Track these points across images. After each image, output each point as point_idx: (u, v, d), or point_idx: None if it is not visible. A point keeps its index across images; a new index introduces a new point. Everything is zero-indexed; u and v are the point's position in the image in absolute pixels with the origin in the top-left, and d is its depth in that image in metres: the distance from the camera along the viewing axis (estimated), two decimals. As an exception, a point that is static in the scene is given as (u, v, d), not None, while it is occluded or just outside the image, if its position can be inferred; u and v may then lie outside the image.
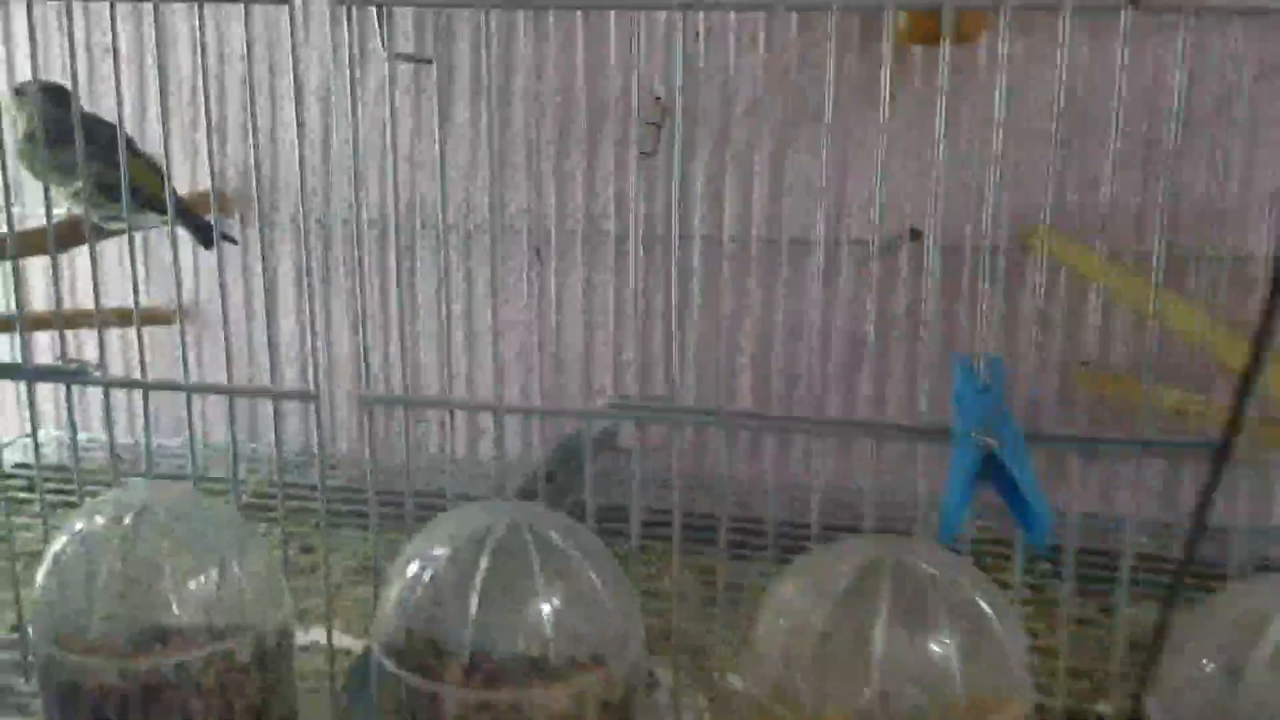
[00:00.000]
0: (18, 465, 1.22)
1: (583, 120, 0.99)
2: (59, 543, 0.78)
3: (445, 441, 0.82)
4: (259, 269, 1.18)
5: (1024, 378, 0.86)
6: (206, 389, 0.85)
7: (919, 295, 0.77)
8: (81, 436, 1.17)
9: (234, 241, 1.08)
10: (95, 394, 0.94)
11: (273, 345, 0.81)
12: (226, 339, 0.83)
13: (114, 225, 0.95)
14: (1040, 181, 0.77)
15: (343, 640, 0.89)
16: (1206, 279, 1.02)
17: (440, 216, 0.72)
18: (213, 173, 1.00)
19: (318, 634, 0.88)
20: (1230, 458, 0.65)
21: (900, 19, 0.94)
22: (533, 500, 0.98)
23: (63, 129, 0.84)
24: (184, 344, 0.83)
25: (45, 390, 1.19)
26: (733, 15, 0.90)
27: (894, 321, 1.05)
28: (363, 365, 0.77)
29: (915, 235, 1.00)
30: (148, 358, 0.84)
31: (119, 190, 0.82)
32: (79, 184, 0.91)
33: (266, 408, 1.13)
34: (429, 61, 0.73)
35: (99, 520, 0.78)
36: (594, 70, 1.00)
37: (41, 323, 0.97)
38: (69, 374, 0.83)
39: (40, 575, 0.77)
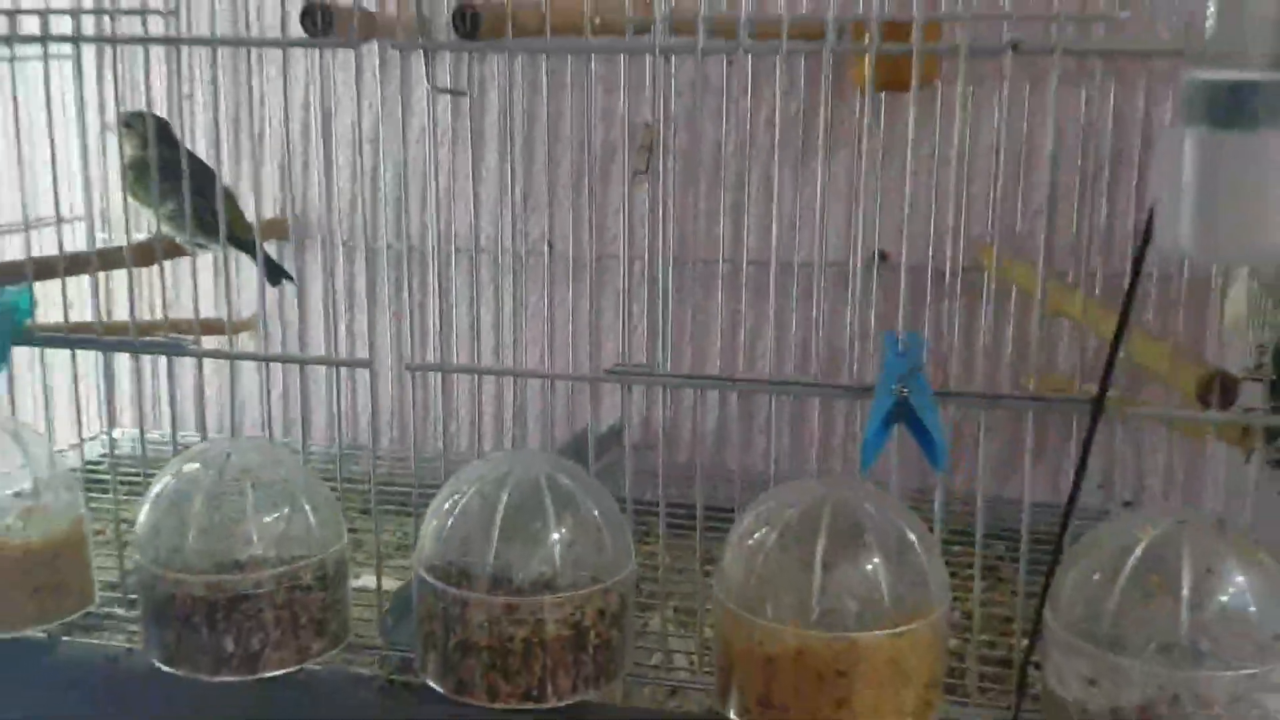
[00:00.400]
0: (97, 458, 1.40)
1: (597, 149, 1.17)
2: (159, 484, 0.95)
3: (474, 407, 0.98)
4: (312, 286, 1.38)
5: (981, 377, 1.01)
6: (279, 358, 1.03)
7: (889, 308, 0.93)
8: (154, 435, 1.36)
9: (290, 279, 1.25)
10: (168, 392, 1.11)
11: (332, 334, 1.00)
12: (302, 332, 1.01)
13: (199, 250, 1.13)
14: (998, 208, 0.94)
15: (387, 584, 1.05)
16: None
17: (474, 239, 0.90)
18: (286, 205, 1.19)
19: (368, 580, 1.05)
20: (1102, 411, 0.82)
21: (865, 70, 1.11)
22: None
23: (165, 160, 1.03)
24: (264, 325, 1.01)
25: (120, 395, 1.36)
26: (724, 62, 1.07)
27: (868, 330, 1.22)
28: (408, 339, 0.95)
29: (883, 257, 1.16)
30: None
31: (211, 224, 1.01)
32: (171, 208, 1.10)
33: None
34: (464, 94, 0.91)
35: (191, 466, 0.95)
36: (609, 106, 1.17)
37: (149, 327, 1.13)
38: (170, 346, 1.01)
39: (143, 512, 0.95)
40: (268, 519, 0.94)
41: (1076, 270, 1.12)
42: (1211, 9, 0.71)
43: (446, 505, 0.91)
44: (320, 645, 0.94)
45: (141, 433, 1.08)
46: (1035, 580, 0.85)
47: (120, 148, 1.12)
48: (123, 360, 1.14)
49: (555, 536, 0.89)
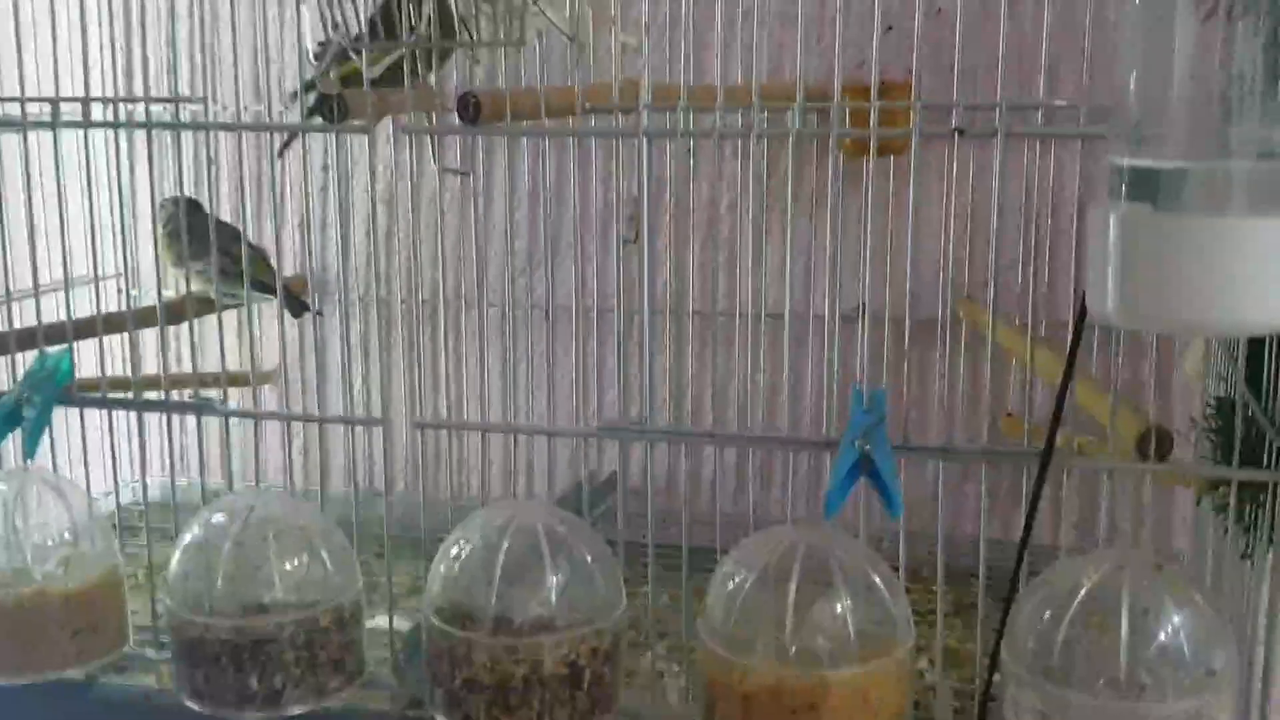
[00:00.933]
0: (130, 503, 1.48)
1: (592, 218, 1.25)
2: (188, 534, 1.03)
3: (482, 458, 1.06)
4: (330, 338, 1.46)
5: (959, 422, 1.08)
6: (299, 417, 1.11)
7: (872, 354, 1.01)
8: (181, 481, 1.44)
9: (319, 314, 1.34)
10: (196, 443, 1.19)
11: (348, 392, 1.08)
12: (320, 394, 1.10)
13: (230, 301, 1.22)
14: (973, 262, 1.01)
15: (400, 625, 1.13)
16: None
17: (481, 296, 0.98)
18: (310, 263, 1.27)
19: (382, 620, 1.13)
20: (1049, 463, 0.90)
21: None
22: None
23: (195, 226, 1.12)
24: (285, 382, 1.09)
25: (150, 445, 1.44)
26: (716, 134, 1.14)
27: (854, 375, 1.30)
28: (418, 398, 1.03)
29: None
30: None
31: (234, 274, 1.10)
32: (200, 265, 1.19)
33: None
34: (467, 174, 0.99)
35: (218, 517, 1.03)
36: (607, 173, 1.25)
37: (180, 381, 1.22)
38: (199, 406, 1.09)
39: (173, 560, 1.03)
40: (288, 566, 1.02)
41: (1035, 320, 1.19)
42: (1133, 95, 0.78)
43: (453, 552, 0.98)
44: (338, 683, 1.02)
45: (172, 481, 1.16)
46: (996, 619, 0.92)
47: (154, 221, 1.21)
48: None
49: (552, 581, 0.96)
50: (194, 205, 1.19)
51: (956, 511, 1.19)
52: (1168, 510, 1.30)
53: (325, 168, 1.45)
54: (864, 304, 0.99)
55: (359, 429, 1.09)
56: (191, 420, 1.21)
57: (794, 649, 0.90)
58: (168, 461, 1.15)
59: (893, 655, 0.91)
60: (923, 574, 1.14)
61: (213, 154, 1.12)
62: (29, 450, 1.04)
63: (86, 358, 1.19)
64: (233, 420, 1.12)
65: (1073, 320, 0.86)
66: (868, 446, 0.88)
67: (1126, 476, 0.93)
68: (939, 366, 0.96)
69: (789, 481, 1.03)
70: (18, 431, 1.07)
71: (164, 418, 1.15)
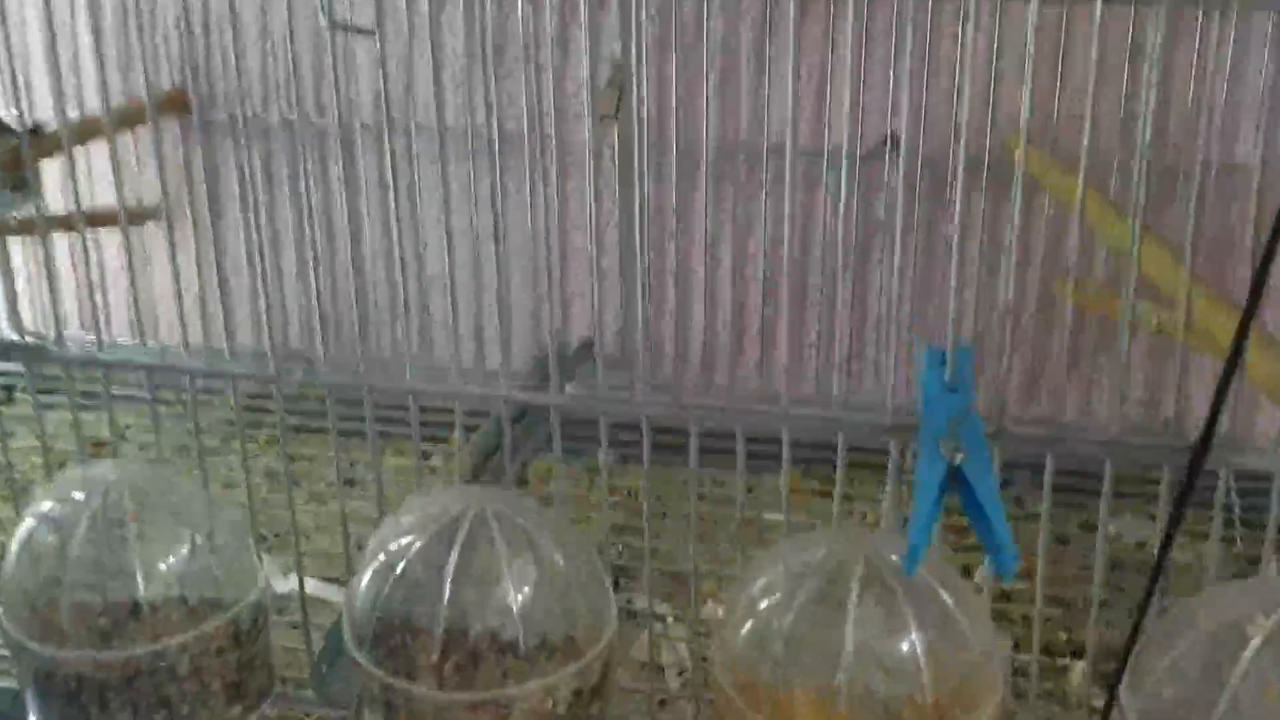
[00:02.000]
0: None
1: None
2: (26, 526, 0.77)
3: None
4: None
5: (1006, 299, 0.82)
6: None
7: (898, 202, 0.73)
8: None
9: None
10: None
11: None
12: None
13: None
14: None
15: (321, 589, 0.89)
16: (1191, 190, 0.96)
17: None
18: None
19: (290, 585, 0.88)
20: (1204, 461, 0.64)
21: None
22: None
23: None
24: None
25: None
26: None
27: (879, 228, 1.02)
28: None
29: (893, 142, 0.96)
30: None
31: None
32: None
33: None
34: (372, 33, 0.69)
35: (65, 502, 0.77)
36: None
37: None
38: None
39: (8, 561, 0.77)
40: (162, 564, 0.76)
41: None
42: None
43: (381, 559, 0.73)
44: (238, 711, 0.78)
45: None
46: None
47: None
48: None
49: (513, 597, 0.71)
50: None
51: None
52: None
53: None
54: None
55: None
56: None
57: (846, 693, 0.67)
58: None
59: (979, 707, 0.67)
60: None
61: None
62: None
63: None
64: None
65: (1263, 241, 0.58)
66: (959, 454, 0.61)
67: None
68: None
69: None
70: None
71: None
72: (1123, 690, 0.67)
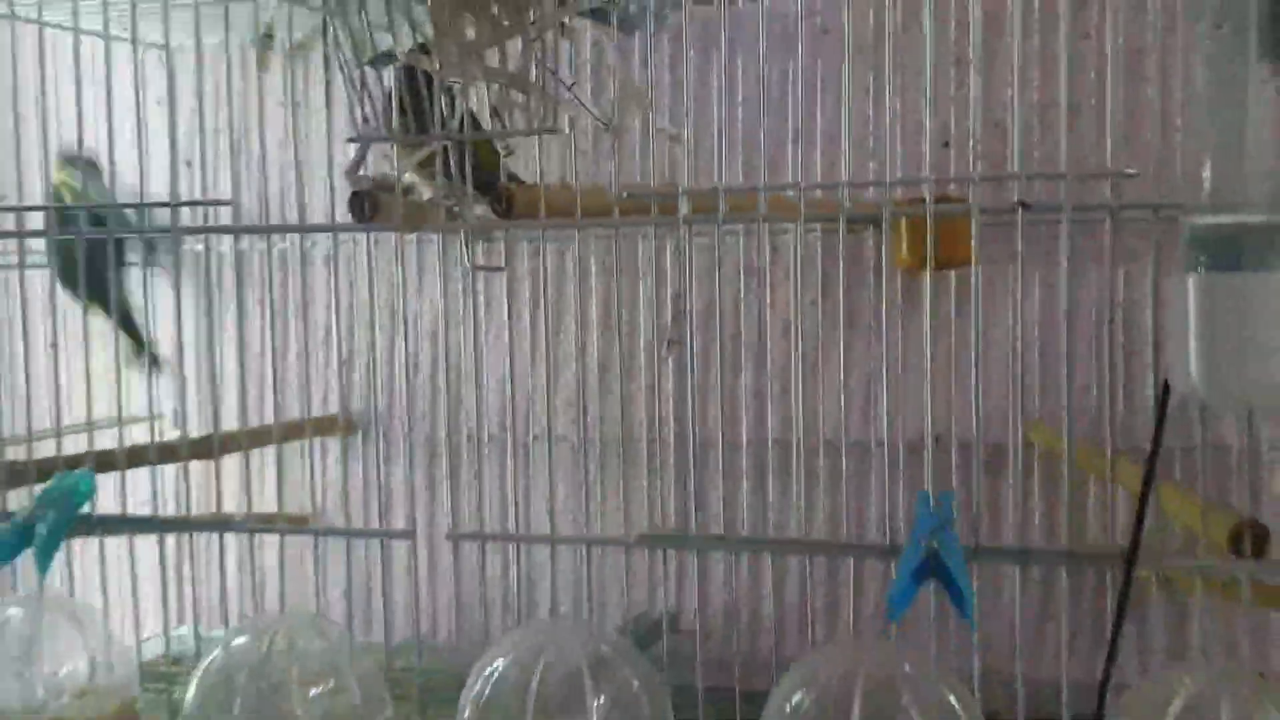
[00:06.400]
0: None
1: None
2: (210, 657, 0.97)
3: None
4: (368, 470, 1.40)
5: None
6: (328, 531, 1.05)
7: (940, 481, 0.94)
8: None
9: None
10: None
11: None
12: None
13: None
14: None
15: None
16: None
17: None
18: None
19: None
20: (1135, 561, 0.82)
21: (901, 251, 1.12)
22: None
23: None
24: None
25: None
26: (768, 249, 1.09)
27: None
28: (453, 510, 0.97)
29: (936, 440, 1.15)
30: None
31: None
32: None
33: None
34: (501, 269, 0.95)
35: (240, 639, 0.97)
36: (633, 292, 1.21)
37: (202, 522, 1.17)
38: (221, 524, 1.04)
39: (190, 688, 0.96)
40: (312, 691, 0.95)
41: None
42: (1208, 163, 0.74)
43: (485, 672, 0.91)
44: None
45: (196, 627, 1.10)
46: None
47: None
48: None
49: (594, 704, 0.88)
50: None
51: (1034, 653, 1.09)
52: (1265, 635, 1.19)
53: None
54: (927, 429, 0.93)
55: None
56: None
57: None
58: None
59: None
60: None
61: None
62: (40, 567, 0.98)
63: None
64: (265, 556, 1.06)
65: (1156, 400, 0.79)
66: (935, 544, 0.80)
67: (1219, 579, 0.84)
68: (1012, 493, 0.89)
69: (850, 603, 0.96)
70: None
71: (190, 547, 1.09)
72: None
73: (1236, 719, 0.76)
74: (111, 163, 1.15)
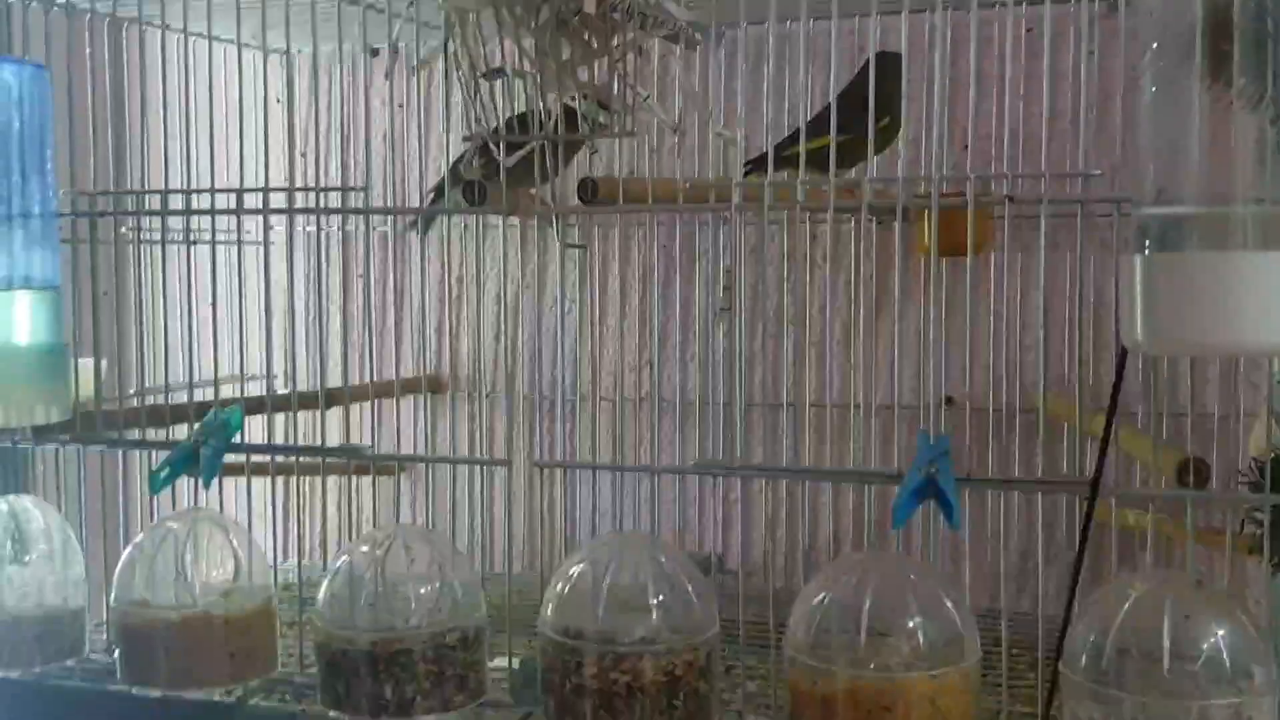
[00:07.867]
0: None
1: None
2: (339, 560, 1.18)
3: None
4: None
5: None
6: (435, 459, 1.27)
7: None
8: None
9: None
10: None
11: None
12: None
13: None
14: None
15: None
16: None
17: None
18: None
19: (503, 661, 1.26)
20: (1098, 489, 1.01)
21: (928, 237, 1.31)
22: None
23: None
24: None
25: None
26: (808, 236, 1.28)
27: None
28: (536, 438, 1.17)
29: (949, 401, 1.33)
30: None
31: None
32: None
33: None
34: (584, 247, 1.15)
35: (363, 547, 1.18)
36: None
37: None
38: (347, 450, 1.25)
39: (324, 584, 1.17)
40: (423, 590, 1.15)
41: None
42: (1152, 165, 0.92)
43: (569, 573, 1.11)
44: (462, 698, 1.15)
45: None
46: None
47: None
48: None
49: (653, 602, 1.09)
50: None
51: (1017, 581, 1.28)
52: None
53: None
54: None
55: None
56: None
57: (871, 662, 1.01)
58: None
59: (959, 667, 1.01)
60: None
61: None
62: (205, 482, 1.20)
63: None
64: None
65: (1115, 359, 0.99)
66: (933, 470, 1.00)
67: (1167, 503, 1.03)
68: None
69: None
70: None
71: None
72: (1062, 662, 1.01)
73: (1176, 613, 0.95)
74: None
